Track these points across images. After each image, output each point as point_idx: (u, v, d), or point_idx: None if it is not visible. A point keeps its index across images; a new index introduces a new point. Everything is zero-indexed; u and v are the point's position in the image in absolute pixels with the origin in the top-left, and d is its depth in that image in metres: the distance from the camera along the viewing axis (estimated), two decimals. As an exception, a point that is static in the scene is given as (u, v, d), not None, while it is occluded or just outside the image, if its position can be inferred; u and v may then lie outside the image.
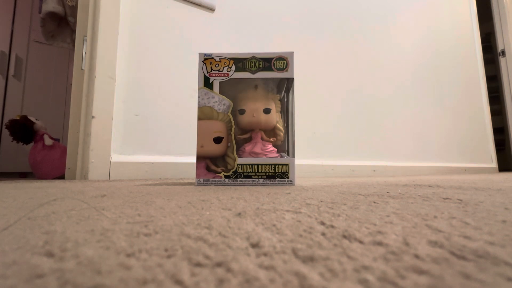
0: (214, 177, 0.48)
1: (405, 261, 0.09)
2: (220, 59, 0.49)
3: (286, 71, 0.50)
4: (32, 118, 1.11)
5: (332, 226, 0.15)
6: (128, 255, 0.10)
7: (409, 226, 0.15)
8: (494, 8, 2.39)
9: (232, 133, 0.49)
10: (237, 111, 0.53)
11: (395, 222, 0.16)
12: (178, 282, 0.08)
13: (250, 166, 0.48)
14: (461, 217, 0.17)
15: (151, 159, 0.79)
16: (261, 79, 0.51)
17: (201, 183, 0.47)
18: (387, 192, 0.32)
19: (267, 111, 0.52)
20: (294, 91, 0.51)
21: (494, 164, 2.00)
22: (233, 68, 0.49)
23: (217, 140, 0.48)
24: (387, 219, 0.16)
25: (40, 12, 1.12)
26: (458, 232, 0.13)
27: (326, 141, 1.19)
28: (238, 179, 0.48)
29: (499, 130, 2.58)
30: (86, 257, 0.10)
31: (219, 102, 0.49)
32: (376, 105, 1.38)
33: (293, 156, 0.51)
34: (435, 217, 0.17)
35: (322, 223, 0.15)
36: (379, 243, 0.11)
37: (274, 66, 0.50)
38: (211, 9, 0.94)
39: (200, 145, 0.48)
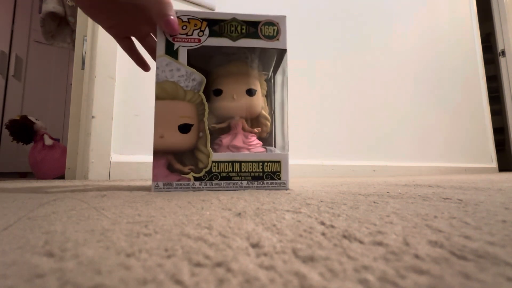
0: (179, 180, 0.35)
1: (405, 261, 0.09)
2: (189, 19, 0.37)
3: (277, 39, 0.39)
4: (32, 118, 1.11)
5: (332, 226, 0.15)
6: (128, 255, 0.10)
7: (409, 226, 0.15)
8: (494, 8, 2.39)
9: (205, 119, 0.36)
10: (210, 92, 0.40)
11: (395, 222, 0.16)
12: (178, 282, 0.08)
13: (230, 164, 0.37)
14: (461, 217, 0.17)
15: (151, 159, 0.79)
16: (244, 49, 0.39)
17: (160, 188, 0.35)
18: (387, 192, 0.32)
19: (251, 92, 0.40)
20: (288, 86, 0.42)
21: (494, 164, 2.00)
22: (207, 32, 0.37)
23: (184, 128, 0.36)
24: (387, 219, 0.16)
25: (40, 12, 1.12)
26: (458, 232, 0.13)
27: (326, 141, 1.19)
28: (213, 182, 0.36)
29: (499, 130, 2.58)
30: (86, 257, 0.10)
31: (187, 76, 0.36)
32: (376, 105, 1.38)
33: (286, 150, 0.39)
34: (435, 217, 0.17)
35: (322, 223, 0.15)
36: (379, 243, 0.11)
37: (261, 33, 0.39)
38: (211, 9, 0.94)
39: (159, 135, 0.35)
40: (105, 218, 0.17)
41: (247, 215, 0.18)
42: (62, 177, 1.00)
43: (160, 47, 0.36)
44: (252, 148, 0.40)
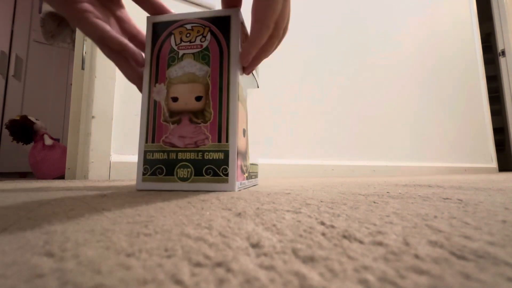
0: (243, 179, 0.37)
1: (405, 261, 0.09)
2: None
3: None
4: (32, 118, 1.11)
5: (332, 226, 0.15)
6: (128, 255, 0.10)
7: (409, 226, 0.15)
8: (494, 8, 2.40)
9: (246, 126, 0.40)
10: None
11: (395, 222, 0.16)
12: (178, 282, 0.08)
13: (252, 166, 0.43)
14: (461, 217, 0.17)
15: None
16: None
17: (240, 187, 0.35)
18: (387, 192, 0.32)
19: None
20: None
21: (494, 164, 2.00)
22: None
23: (243, 132, 0.38)
24: (387, 219, 0.16)
25: (40, 12, 1.12)
26: (458, 232, 0.13)
27: (326, 141, 1.19)
28: (247, 180, 0.41)
29: (499, 130, 2.59)
30: (86, 257, 0.10)
31: (242, 85, 0.38)
32: (376, 105, 1.38)
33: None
34: (435, 217, 0.17)
35: (322, 223, 0.15)
36: (379, 243, 0.11)
37: None
38: (211, 9, 0.94)
39: (241, 133, 0.35)
40: (105, 218, 0.17)
41: (247, 215, 0.18)
42: (62, 177, 1.00)
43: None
44: None
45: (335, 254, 0.10)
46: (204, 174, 0.34)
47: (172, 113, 0.36)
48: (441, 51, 1.80)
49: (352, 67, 1.32)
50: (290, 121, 1.10)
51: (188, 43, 0.36)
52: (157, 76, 0.37)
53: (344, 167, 1.19)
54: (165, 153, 0.35)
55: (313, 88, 1.19)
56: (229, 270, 0.09)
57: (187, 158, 0.34)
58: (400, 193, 0.32)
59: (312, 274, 0.08)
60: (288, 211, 0.19)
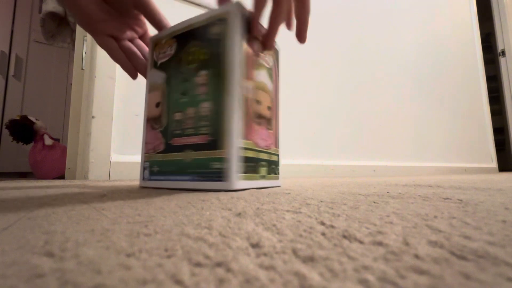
0: None
1: (405, 261, 0.09)
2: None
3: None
4: (32, 118, 1.11)
5: (332, 226, 0.15)
6: (128, 255, 0.10)
7: (409, 226, 0.15)
8: (494, 8, 2.40)
9: None
10: None
11: (395, 222, 0.16)
12: (178, 282, 0.08)
13: None
14: (461, 217, 0.17)
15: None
16: None
17: None
18: (387, 192, 0.32)
19: None
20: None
21: (494, 164, 2.00)
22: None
23: None
24: (387, 219, 0.16)
25: (40, 12, 1.12)
26: (458, 232, 0.13)
27: (326, 141, 1.19)
28: None
29: (499, 130, 2.59)
30: (86, 257, 0.10)
31: None
32: (376, 105, 1.38)
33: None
34: (435, 217, 0.17)
35: (322, 223, 0.15)
36: (379, 243, 0.11)
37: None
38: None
39: None
40: (105, 218, 0.17)
41: (247, 215, 0.18)
42: (62, 177, 1.00)
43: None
44: None
45: (335, 254, 0.10)
46: (270, 172, 0.39)
47: (257, 115, 0.37)
48: (441, 51, 1.80)
49: (352, 67, 1.32)
50: (290, 121, 1.10)
51: (265, 57, 0.40)
52: (247, 73, 0.35)
53: (344, 167, 1.19)
54: (255, 152, 0.36)
55: (313, 88, 1.19)
56: (229, 270, 0.09)
57: (264, 158, 0.38)
58: (400, 193, 0.32)
59: (312, 274, 0.08)
60: (288, 211, 0.19)
